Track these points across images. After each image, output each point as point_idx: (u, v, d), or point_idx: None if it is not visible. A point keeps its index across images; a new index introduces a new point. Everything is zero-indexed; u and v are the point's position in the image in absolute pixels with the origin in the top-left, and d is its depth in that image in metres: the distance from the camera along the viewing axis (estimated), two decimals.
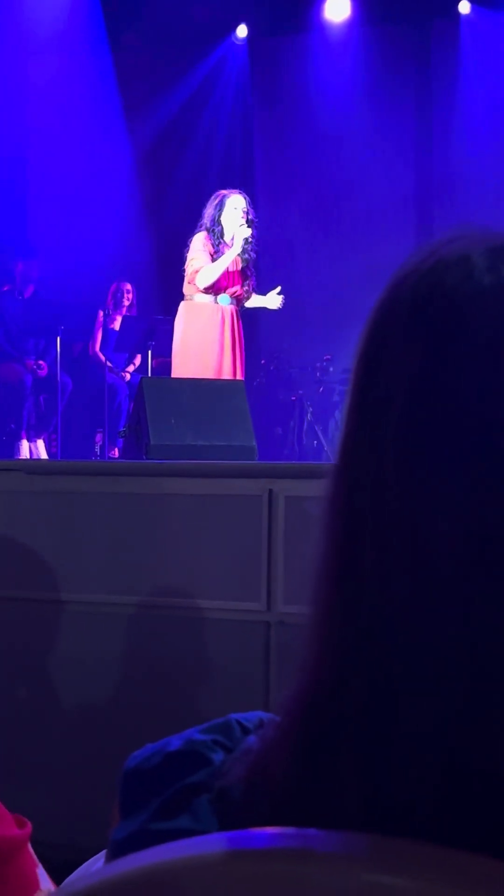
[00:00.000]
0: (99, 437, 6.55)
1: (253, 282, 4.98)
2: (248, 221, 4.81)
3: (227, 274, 4.84)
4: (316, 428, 7.01)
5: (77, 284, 6.97)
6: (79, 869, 1.05)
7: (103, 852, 1.13)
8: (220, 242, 4.83)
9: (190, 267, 4.86)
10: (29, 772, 2.34)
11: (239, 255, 4.82)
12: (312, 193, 8.29)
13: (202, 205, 5.04)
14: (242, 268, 4.90)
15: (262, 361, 7.48)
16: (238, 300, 4.95)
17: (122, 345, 6.61)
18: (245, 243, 4.81)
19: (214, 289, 4.84)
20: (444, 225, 6.71)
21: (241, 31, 8.30)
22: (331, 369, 7.23)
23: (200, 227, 4.90)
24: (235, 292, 4.90)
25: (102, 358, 6.56)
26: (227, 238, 4.82)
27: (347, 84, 8.07)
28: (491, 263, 0.58)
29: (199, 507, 2.33)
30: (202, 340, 4.85)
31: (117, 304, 6.71)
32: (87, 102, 7.73)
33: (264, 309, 5.06)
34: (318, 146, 8.22)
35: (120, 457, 5.72)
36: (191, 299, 4.94)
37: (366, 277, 7.41)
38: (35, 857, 0.81)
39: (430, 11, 7.77)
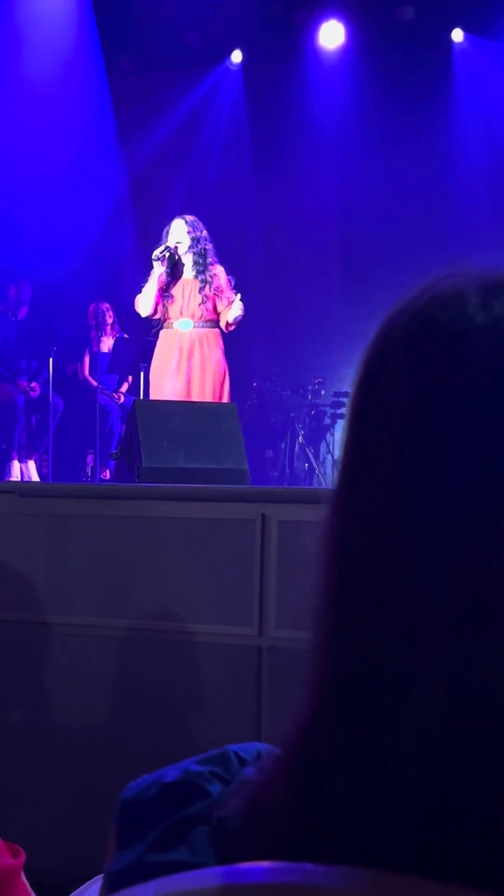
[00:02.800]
0: (90, 458, 6.55)
1: (227, 295, 4.95)
2: (192, 239, 4.90)
3: (177, 298, 4.93)
4: (307, 451, 7.01)
5: (70, 306, 6.99)
6: None
7: (95, 879, 1.12)
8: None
9: None
10: (19, 796, 2.32)
11: (195, 277, 4.92)
12: (306, 217, 8.34)
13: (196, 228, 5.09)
14: (200, 288, 4.94)
15: (254, 384, 7.49)
16: (205, 321, 4.96)
17: (114, 367, 6.62)
18: (173, 265, 4.90)
19: (168, 314, 4.95)
20: (437, 250, 6.76)
21: (236, 56, 8.39)
22: (322, 392, 7.25)
23: None
24: (194, 314, 4.93)
25: (93, 382, 6.56)
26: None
27: (341, 110, 8.15)
28: (484, 301, 0.58)
29: (191, 531, 2.33)
30: (161, 365, 5.03)
31: (99, 325, 6.70)
32: (81, 126, 7.80)
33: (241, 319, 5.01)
34: (312, 171, 8.27)
35: (111, 479, 5.71)
36: (167, 326, 5.06)
37: (360, 301, 7.45)
38: (28, 886, 0.81)
39: (424, 39, 7.86)
